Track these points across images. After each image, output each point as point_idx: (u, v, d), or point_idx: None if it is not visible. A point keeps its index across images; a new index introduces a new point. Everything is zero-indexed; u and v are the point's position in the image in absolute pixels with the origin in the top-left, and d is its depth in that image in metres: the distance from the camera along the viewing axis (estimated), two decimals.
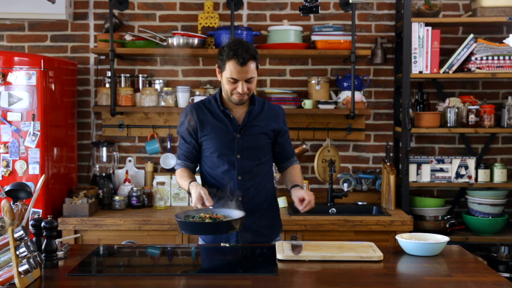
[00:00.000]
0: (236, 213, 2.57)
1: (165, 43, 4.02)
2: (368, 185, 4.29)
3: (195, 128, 2.82)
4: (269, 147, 2.89)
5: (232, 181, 2.80)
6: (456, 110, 4.00)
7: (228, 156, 2.80)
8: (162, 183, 4.12)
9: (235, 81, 2.70)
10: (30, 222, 2.38)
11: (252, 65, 2.69)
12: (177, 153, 2.93)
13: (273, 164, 2.99)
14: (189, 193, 2.69)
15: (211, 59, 4.26)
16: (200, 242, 2.90)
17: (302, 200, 2.71)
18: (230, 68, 2.68)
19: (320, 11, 2.90)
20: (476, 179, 4.05)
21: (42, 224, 2.32)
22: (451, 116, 3.98)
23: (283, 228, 3.05)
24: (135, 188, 4.03)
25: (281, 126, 2.89)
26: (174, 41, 3.97)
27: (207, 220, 2.51)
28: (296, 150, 4.16)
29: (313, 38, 4.06)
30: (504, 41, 4.08)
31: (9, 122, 3.67)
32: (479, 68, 3.93)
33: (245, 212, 2.58)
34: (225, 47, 2.71)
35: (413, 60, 3.93)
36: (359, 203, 4.11)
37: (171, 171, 4.23)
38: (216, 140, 2.81)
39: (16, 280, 2.02)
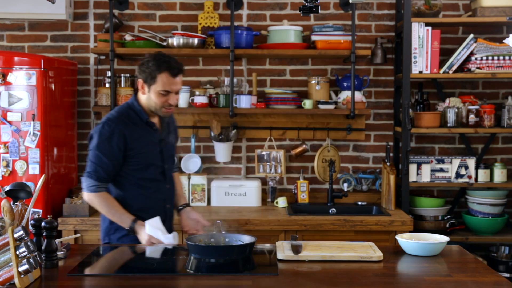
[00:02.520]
0: (246, 238, 2.53)
1: (165, 43, 4.02)
2: (368, 185, 4.29)
3: (122, 143, 2.78)
4: None
5: (162, 190, 2.92)
6: (456, 110, 4.00)
7: (159, 168, 2.90)
8: None
9: (166, 93, 2.75)
10: (30, 222, 2.38)
11: (181, 77, 2.80)
12: (88, 171, 2.79)
13: None
14: (131, 230, 2.77)
15: (211, 59, 4.26)
16: None
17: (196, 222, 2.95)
18: (162, 81, 2.73)
19: (320, 11, 2.91)
20: (476, 179, 4.05)
21: (42, 224, 2.32)
22: (451, 116, 3.98)
23: (283, 229, 3.13)
24: None
25: (177, 132, 3.10)
26: (174, 41, 3.97)
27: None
28: (296, 150, 4.16)
29: (313, 38, 4.06)
30: (504, 41, 4.07)
31: (9, 122, 3.67)
32: (479, 68, 3.93)
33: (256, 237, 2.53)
34: (152, 61, 2.75)
35: (413, 60, 3.93)
36: (359, 203, 4.11)
37: None
38: (147, 153, 2.84)
39: (16, 280, 2.02)
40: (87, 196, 2.82)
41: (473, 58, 3.94)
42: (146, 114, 2.86)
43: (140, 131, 2.83)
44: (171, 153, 3.02)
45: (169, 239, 2.76)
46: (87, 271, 2.36)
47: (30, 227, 2.37)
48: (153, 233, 2.74)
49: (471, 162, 4.05)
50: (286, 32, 4.03)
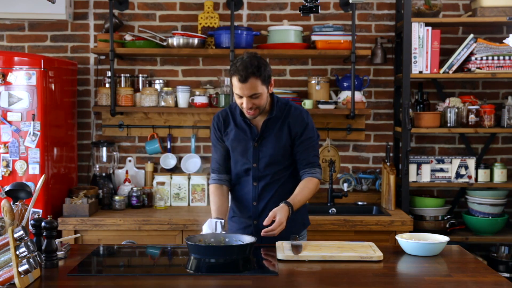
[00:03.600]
0: (246, 238, 2.52)
1: (165, 43, 4.02)
2: (368, 185, 4.29)
3: (219, 135, 2.90)
4: (289, 153, 2.85)
5: (248, 187, 2.86)
6: (456, 110, 4.00)
7: (245, 164, 2.85)
8: (162, 183, 4.12)
9: (240, 96, 2.71)
10: (30, 222, 2.38)
11: (255, 82, 2.65)
12: (211, 164, 3.00)
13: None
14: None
15: (211, 59, 4.26)
16: None
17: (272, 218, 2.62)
18: (234, 84, 2.70)
19: (320, 11, 2.90)
20: (476, 179, 4.05)
21: (42, 224, 2.32)
22: (451, 116, 3.98)
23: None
24: (135, 188, 4.03)
25: (297, 131, 2.81)
26: (174, 41, 3.97)
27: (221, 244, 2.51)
28: None
29: (313, 38, 4.06)
30: (504, 41, 4.07)
31: (9, 122, 3.67)
32: (479, 68, 3.93)
33: (256, 238, 2.52)
34: (233, 61, 2.72)
35: (413, 60, 3.93)
36: (359, 203, 4.11)
37: (171, 171, 4.23)
38: (235, 148, 2.86)
39: (16, 280, 2.02)
40: None
41: (473, 58, 3.94)
42: None
43: (234, 125, 2.86)
44: (271, 153, 2.81)
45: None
46: (87, 271, 2.36)
47: (30, 227, 2.37)
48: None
49: (471, 162, 4.05)
50: (286, 32, 4.03)
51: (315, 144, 2.87)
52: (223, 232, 2.61)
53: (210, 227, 2.69)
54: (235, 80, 2.67)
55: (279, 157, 2.83)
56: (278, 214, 2.62)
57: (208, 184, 4.12)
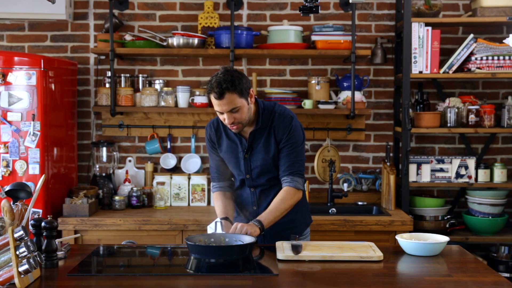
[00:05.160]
0: (246, 238, 2.51)
1: (165, 43, 4.02)
2: (368, 185, 4.29)
3: (212, 145, 2.91)
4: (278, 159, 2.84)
5: (247, 192, 2.90)
6: (456, 110, 4.00)
7: (239, 175, 2.88)
8: (162, 183, 4.12)
9: (220, 112, 2.70)
10: (30, 222, 2.38)
11: (231, 96, 2.62)
12: (210, 172, 3.01)
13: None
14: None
15: (211, 59, 4.26)
16: None
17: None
18: (212, 101, 2.69)
19: (320, 11, 2.90)
20: (476, 179, 4.05)
21: (42, 224, 2.32)
22: (451, 116, 3.98)
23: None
24: (135, 188, 4.03)
25: (281, 137, 2.77)
26: (174, 41, 3.97)
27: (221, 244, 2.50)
28: None
29: (313, 38, 4.06)
30: (504, 41, 4.07)
31: (9, 122, 3.67)
32: (479, 68, 3.93)
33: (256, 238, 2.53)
34: (209, 80, 2.69)
35: (413, 60, 3.93)
36: (359, 203, 4.11)
37: (171, 171, 4.23)
38: (228, 160, 2.88)
39: (16, 280, 2.02)
40: None
41: (473, 58, 3.94)
42: None
43: (225, 136, 2.86)
44: (261, 163, 2.80)
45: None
46: (87, 271, 2.36)
47: (30, 227, 2.37)
48: None
49: (471, 162, 4.05)
50: (286, 32, 4.03)
51: (298, 150, 2.80)
52: (223, 232, 2.61)
53: (213, 228, 2.69)
54: (212, 97, 2.66)
55: (270, 166, 2.82)
56: (246, 226, 2.60)
57: (208, 184, 4.15)
